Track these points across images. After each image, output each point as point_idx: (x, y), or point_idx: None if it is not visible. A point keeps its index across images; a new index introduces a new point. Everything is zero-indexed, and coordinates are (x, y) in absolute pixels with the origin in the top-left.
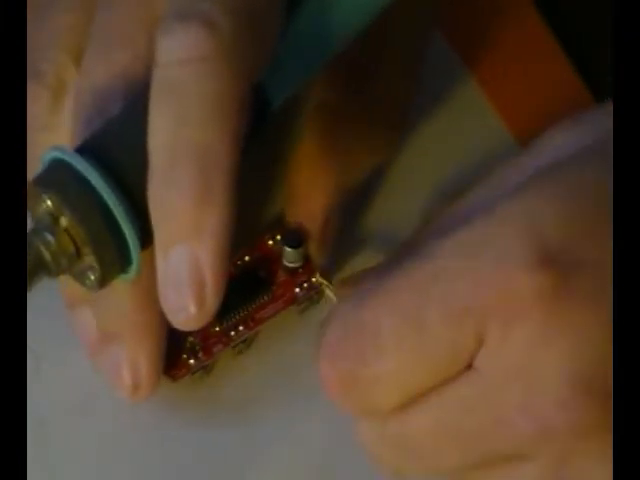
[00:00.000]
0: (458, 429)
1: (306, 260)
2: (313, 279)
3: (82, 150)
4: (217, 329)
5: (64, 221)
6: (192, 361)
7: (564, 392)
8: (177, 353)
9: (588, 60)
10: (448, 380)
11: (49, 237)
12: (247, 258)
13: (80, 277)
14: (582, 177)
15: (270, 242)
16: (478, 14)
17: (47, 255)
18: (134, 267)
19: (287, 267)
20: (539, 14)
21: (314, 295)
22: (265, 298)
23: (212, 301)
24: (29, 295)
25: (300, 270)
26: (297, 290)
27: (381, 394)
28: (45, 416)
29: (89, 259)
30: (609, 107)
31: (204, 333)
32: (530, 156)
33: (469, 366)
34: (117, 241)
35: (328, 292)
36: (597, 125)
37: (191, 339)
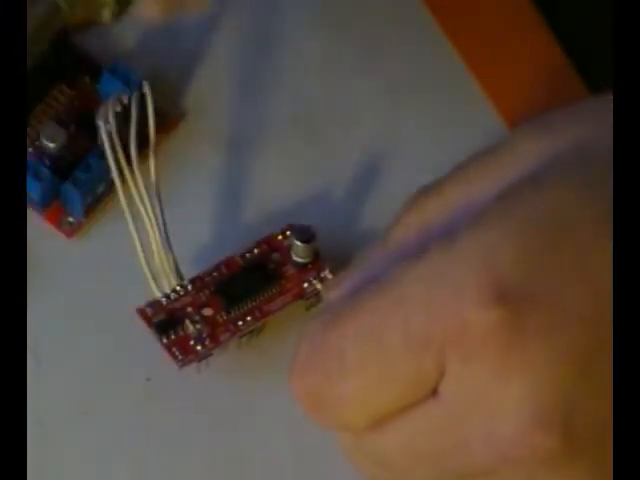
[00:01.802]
0: (425, 450)
1: (315, 256)
2: (322, 275)
3: None
4: (225, 317)
5: None
6: (199, 347)
7: (524, 426)
8: (184, 339)
9: (588, 60)
10: (416, 402)
11: None
12: (256, 251)
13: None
14: (542, 204)
15: (280, 237)
16: (478, 13)
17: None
18: None
19: (296, 262)
20: (539, 14)
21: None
22: (273, 291)
23: None
24: (29, 295)
25: (309, 266)
26: (305, 285)
27: (348, 413)
28: (45, 416)
29: None
30: (573, 109)
31: (212, 321)
32: (496, 160)
33: (435, 391)
34: None
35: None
36: (562, 132)
37: (198, 326)
